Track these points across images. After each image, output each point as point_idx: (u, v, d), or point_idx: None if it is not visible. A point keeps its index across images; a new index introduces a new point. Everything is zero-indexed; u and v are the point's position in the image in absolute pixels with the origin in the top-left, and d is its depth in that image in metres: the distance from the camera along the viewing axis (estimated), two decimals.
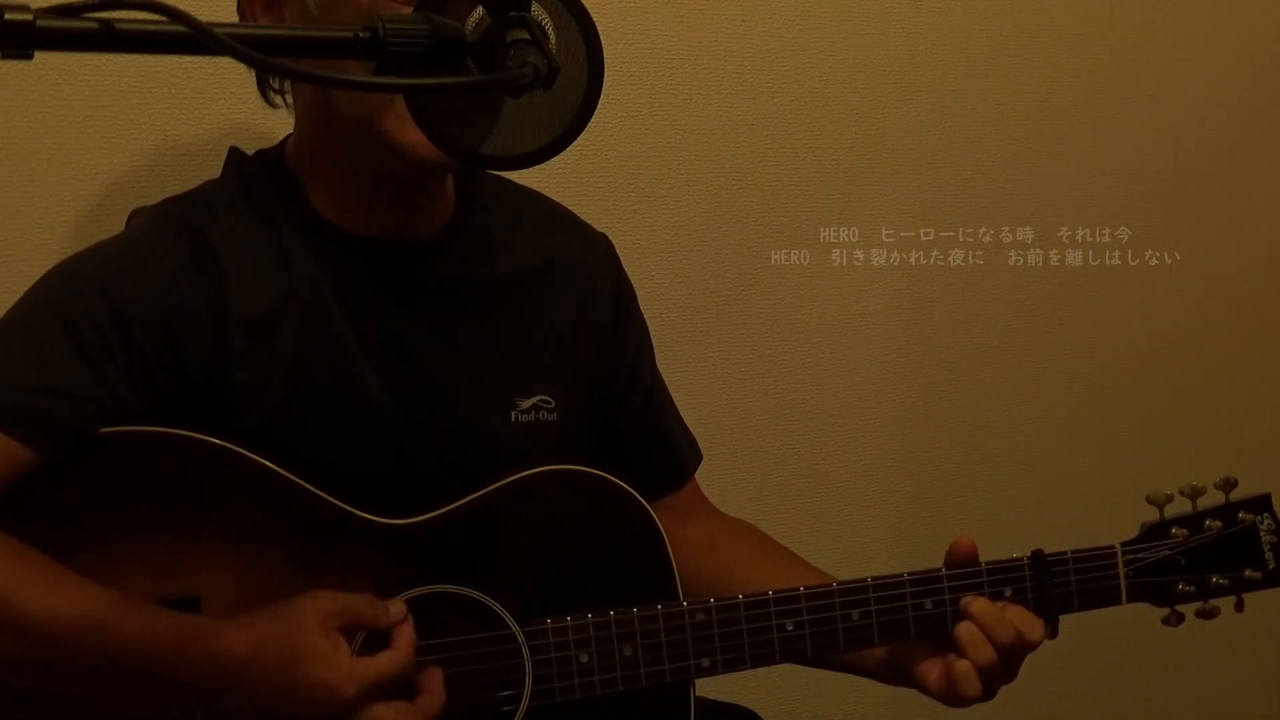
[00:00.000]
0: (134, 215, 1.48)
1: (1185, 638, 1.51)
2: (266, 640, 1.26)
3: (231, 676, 1.25)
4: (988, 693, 1.42)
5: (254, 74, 1.50)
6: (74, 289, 1.35)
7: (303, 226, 1.42)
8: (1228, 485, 1.50)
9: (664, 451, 1.64)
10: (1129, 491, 1.52)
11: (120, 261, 1.38)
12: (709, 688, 1.47)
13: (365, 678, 1.27)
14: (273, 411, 1.37)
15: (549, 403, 1.49)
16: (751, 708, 1.65)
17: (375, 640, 1.31)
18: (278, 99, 1.51)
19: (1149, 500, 1.49)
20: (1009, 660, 1.42)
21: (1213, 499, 1.50)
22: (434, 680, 1.33)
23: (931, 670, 1.44)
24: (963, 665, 1.41)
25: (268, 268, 1.40)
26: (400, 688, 1.31)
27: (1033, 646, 1.42)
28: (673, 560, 1.45)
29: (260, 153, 1.49)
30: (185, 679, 1.25)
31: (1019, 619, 1.42)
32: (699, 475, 1.67)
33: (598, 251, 1.60)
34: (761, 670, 1.44)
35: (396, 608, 1.32)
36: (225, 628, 1.27)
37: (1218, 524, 1.49)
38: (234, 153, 1.49)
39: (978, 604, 1.42)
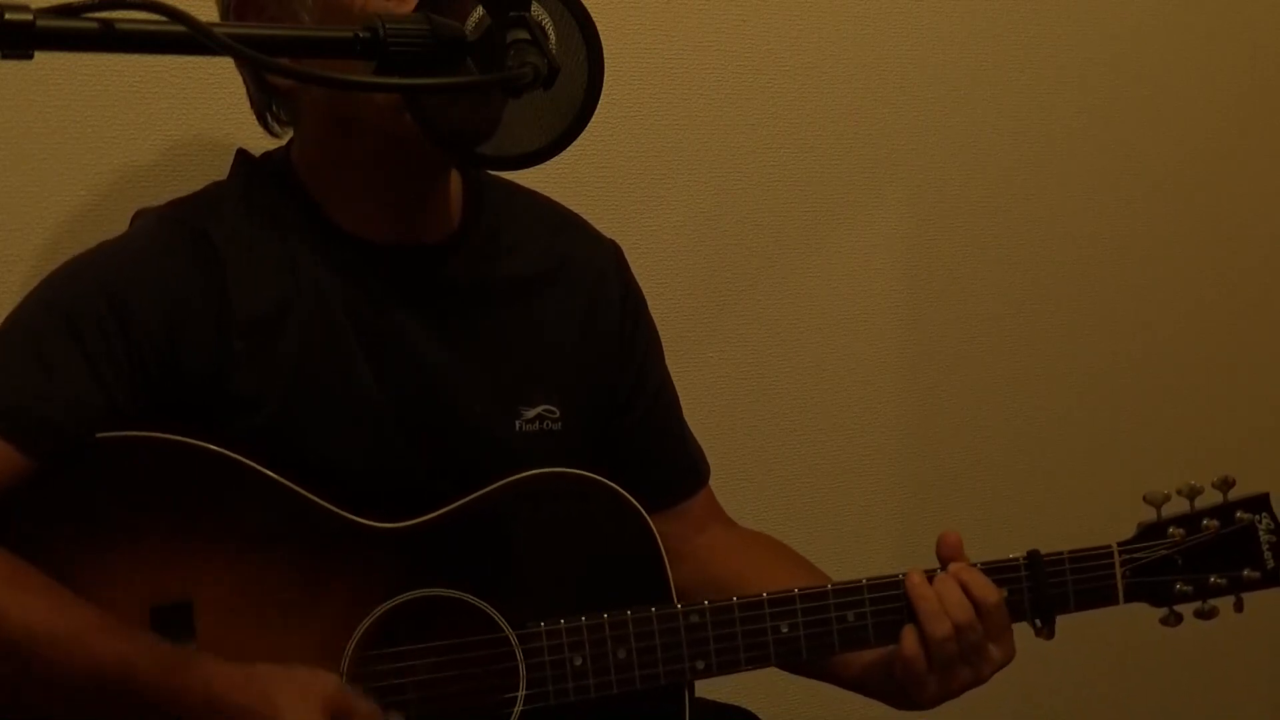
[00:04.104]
0: (138, 216, 1.48)
1: (1183, 638, 1.51)
2: (259, 694, 1.24)
3: (219, 716, 1.24)
4: (943, 680, 1.41)
5: (253, 103, 1.49)
6: (78, 291, 1.35)
7: (309, 230, 1.42)
8: (1226, 485, 1.49)
9: (677, 458, 1.63)
10: (1130, 491, 1.52)
11: (123, 263, 1.38)
12: (708, 689, 1.47)
13: None
14: (274, 413, 1.37)
15: (553, 412, 1.49)
16: (750, 709, 1.65)
17: None
18: (277, 121, 1.50)
19: (1146, 500, 1.49)
20: (964, 637, 1.40)
21: (1210, 498, 1.50)
22: None
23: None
24: (907, 627, 1.40)
25: (271, 270, 1.39)
26: None
27: (993, 605, 1.40)
28: (666, 562, 1.45)
29: (267, 154, 1.49)
30: (170, 710, 1.24)
31: (971, 580, 1.41)
32: None
33: (606, 257, 1.60)
34: (760, 671, 1.44)
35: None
36: (221, 667, 1.26)
37: (1215, 523, 1.49)
38: (241, 154, 1.49)
39: (945, 584, 1.42)
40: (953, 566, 1.43)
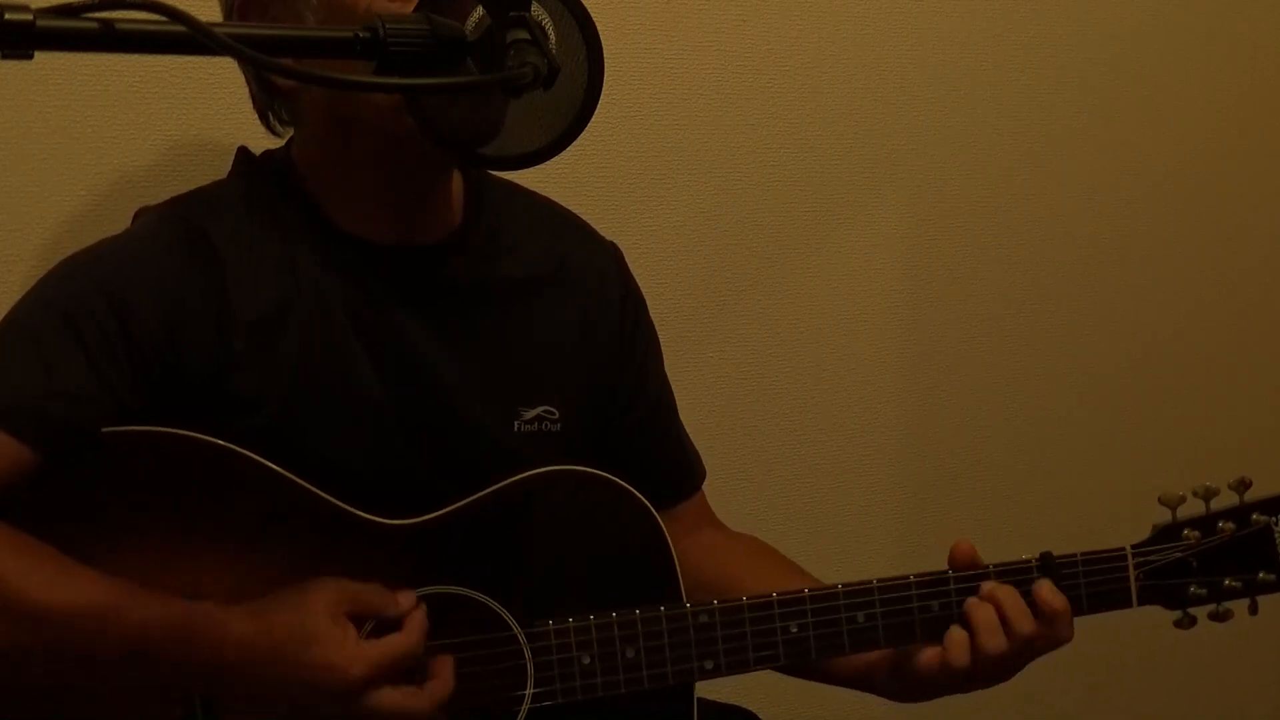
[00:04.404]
0: (139, 214, 1.48)
1: (1190, 638, 1.51)
2: (274, 624, 1.27)
3: (238, 658, 1.26)
4: (979, 673, 1.41)
5: (254, 101, 1.49)
6: (78, 289, 1.35)
7: (309, 230, 1.42)
8: (1242, 486, 1.47)
9: (672, 461, 1.63)
10: (1130, 491, 1.52)
11: (123, 261, 1.38)
12: (709, 689, 1.47)
13: (373, 658, 1.28)
14: (275, 412, 1.37)
15: (553, 414, 1.49)
16: (751, 709, 1.65)
17: (385, 629, 1.32)
18: (279, 120, 1.50)
19: (1161, 501, 1.47)
20: (1015, 646, 1.40)
21: (1226, 500, 1.48)
22: (444, 667, 1.34)
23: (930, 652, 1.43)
24: (957, 634, 1.40)
25: (271, 269, 1.39)
26: (410, 673, 1.32)
27: (1057, 634, 1.41)
28: (676, 560, 1.45)
29: (268, 153, 1.49)
30: (192, 660, 1.26)
31: (1050, 598, 1.41)
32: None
33: (606, 258, 1.60)
34: (763, 672, 1.44)
35: (405, 596, 1.33)
36: (233, 611, 1.27)
37: (1230, 525, 1.47)
38: (242, 153, 1.49)
39: (1004, 590, 1.41)
40: (1041, 592, 1.42)
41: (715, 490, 1.69)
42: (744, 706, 1.64)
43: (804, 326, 2.08)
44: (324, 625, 1.27)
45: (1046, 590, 1.42)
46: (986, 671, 1.41)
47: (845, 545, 2.13)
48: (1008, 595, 1.41)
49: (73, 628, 1.24)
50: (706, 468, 1.68)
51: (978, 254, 2.17)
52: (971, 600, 1.42)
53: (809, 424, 2.11)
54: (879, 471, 2.15)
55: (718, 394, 2.04)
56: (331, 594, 1.29)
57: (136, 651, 1.25)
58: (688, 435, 1.66)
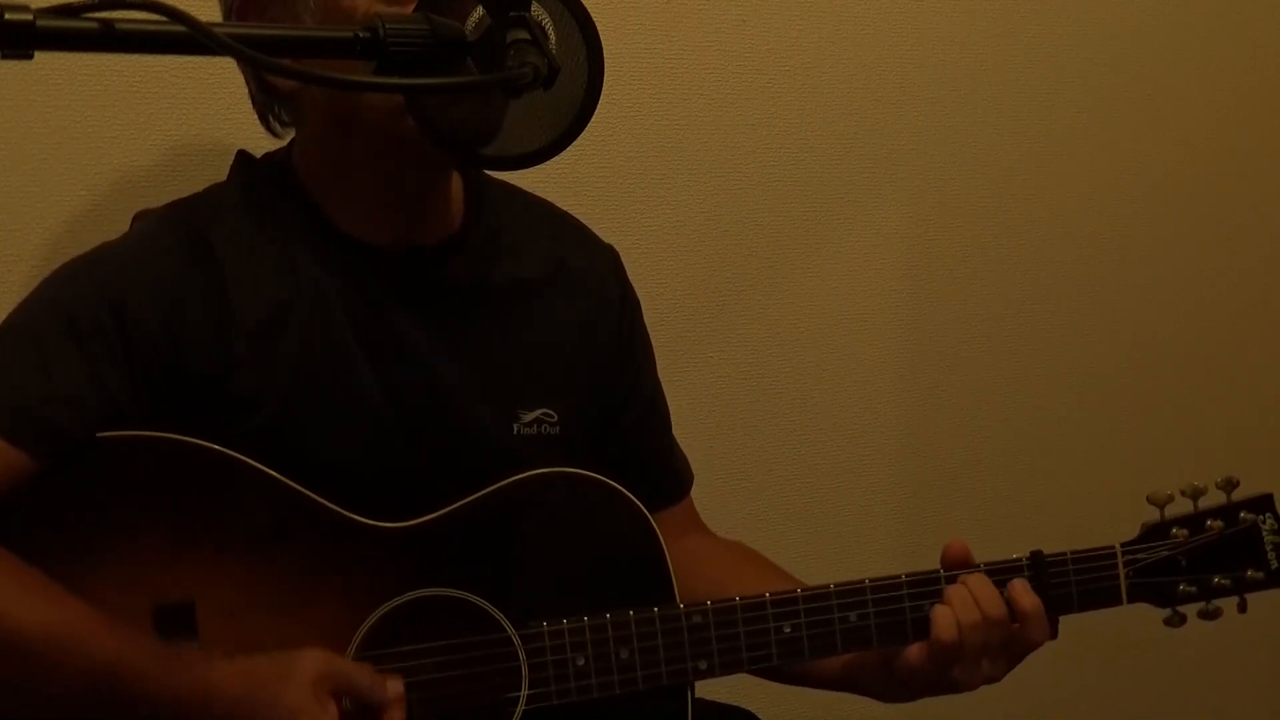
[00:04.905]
0: (138, 217, 1.48)
1: (1183, 636, 1.51)
2: (257, 685, 1.25)
3: (216, 711, 1.24)
4: (967, 670, 1.41)
5: (254, 102, 1.49)
6: (79, 293, 1.35)
7: (309, 231, 1.42)
8: (1229, 485, 1.49)
9: (662, 465, 1.63)
10: (1129, 492, 1.52)
11: (124, 265, 1.38)
12: (707, 689, 1.47)
13: None
14: (274, 414, 1.37)
15: (551, 416, 1.49)
16: (750, 709, 1.65)
17: (365, 712, 1.30)
18: (279, 121, 1.50)
19: (1149, 500, 1.48)
20: (991, 635, 1.40)
21: (1214, 499, 1.49)
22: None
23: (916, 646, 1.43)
24: (941, 610, 1.41)
25: (271, 272, 1.39)
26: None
27: (1029, 634, 1.42)
28: (669, 562, 1.45)
29: (268, 155, 1.49)
30: (168, 706, 1.24)
31: (1020, 597, 1.41)
32: (697, 489, 1.67)
33: (604, 262, 1.60)
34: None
35: (394, 685, 1.31)
36: (216, 662, 1.26)
37: (1219, 524, 1.48)
38: (241, 155, 1.49)
39: (974, 576, 1.42)
40: (1012, 591, 1.43)
41: (714, 490, 1.69)
42: (743, 706, 1.64)
43: (804, 326, 2.09)
44: (307, 699, 1.25)
45: (1017, 589, 1.42)
46: (971, 657, 1.40)
47: (845, 545, 2.13)
48: (978, 579, 1.42)
49: (37, 648, 1.22)
50: (706, 468, 1.68)
51: (978, 254, 2.17)
52: (948, 587, 1.43)
53: (809, 424, 2.11)
54: (879, 471, 2.15)
55: (718, 394, 2.04)
56: (320, 667, 1.27)
57: (105, 685, 1.23)
58: (677, 442, 1.67)
